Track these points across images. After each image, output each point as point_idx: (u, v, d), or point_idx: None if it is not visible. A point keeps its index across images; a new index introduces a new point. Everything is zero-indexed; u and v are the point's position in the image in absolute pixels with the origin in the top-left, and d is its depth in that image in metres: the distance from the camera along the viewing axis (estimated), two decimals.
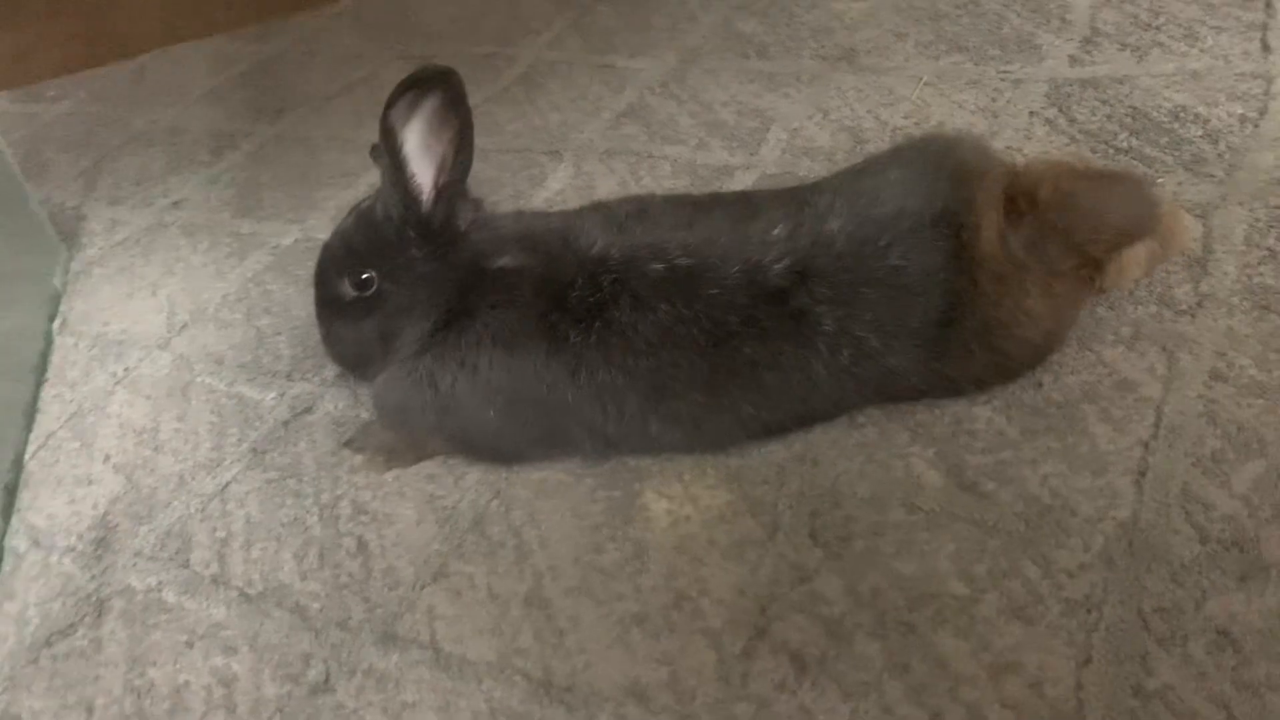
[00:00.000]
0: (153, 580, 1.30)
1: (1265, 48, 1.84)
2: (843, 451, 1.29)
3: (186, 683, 1.17)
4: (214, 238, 1.96)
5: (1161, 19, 2.00)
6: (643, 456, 1.33)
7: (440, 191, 1.28)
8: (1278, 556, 1.07)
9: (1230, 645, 1.00)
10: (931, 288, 1.23)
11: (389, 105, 1.21)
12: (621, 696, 1.07)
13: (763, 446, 1.31)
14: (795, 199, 1.33)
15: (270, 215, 2.00)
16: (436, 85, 1.22)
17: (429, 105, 1.23)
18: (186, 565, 1.31)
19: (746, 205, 1.34)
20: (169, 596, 1.28)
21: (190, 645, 1.21)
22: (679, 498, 1.28)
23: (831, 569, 1.16)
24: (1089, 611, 1.06)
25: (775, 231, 1.27)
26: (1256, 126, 1.66)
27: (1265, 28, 1.90)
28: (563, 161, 1.97)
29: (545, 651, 1.13)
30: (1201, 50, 1.88)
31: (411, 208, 1.28)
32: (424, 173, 1.27)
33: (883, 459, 1.27)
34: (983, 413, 1.30)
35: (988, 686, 1.02)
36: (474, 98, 2.22)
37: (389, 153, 1.25)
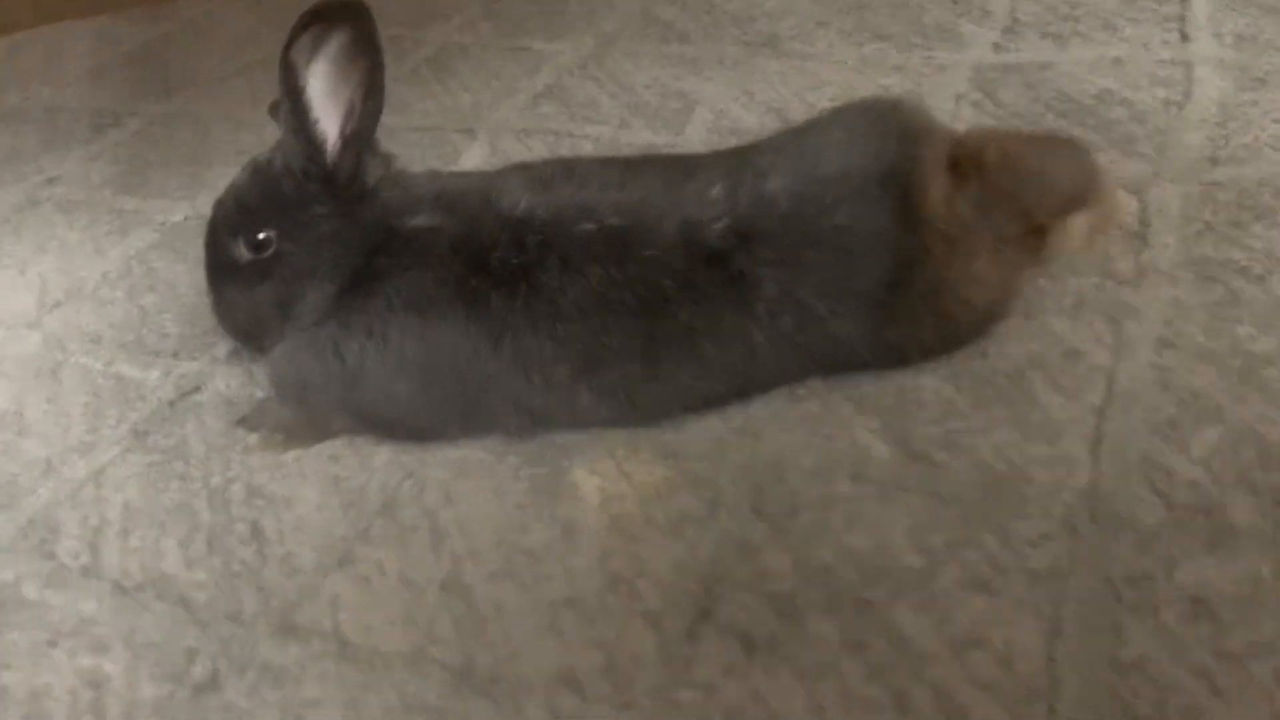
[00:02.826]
0: (9, 574, 1.14)
1: (1184, 37, 1.85)
2: (784, 424, 1.20)
3: (47, 686, 1.02)
4: (93, 215, 1.80)
5: (1080, 11, 2.00)
6: (571, 432, 1.22)
7: (347, 141, 1.16)
8: (1245, 521, 1.02)
9: (1206, 613, 0.94)
10: (879, 249, 1.16)
11: (289, 42, 1.10)
12: (552, 685, 0.96)
13: (699, 420, 1.22)
14: (734, 158, 1.25)
15: (157, 193, 1.84)
16: (344, 19, 1.11)
17: (335, 42, 1.12)
18: (52, 556, 1.16)
19: (682, 165, 1.26)
20: (29, 591, 1.12)
21: (53, 644, 1.06)
22: (611, 474, 1.17)
23: (778, 544, 1.07)
24: (1055, 582, 0.99)
25: (713, 191, 1.19)
26: (1181, 109, 1.65)
27: (1182, 19, 1.90)
28: (477, 139, 1.86)
29: (465, 640, 1.01)
30: (1121, 39, 1.88)
31: (314, 159, 1.16)
32: (329, 120, 1.15)
33: (827, 431, 1.19)
34: (929, 382, 1.23)
35: (953, 663, 0.94)
36: None
37: (289, 95, 1.13)
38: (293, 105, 1.13)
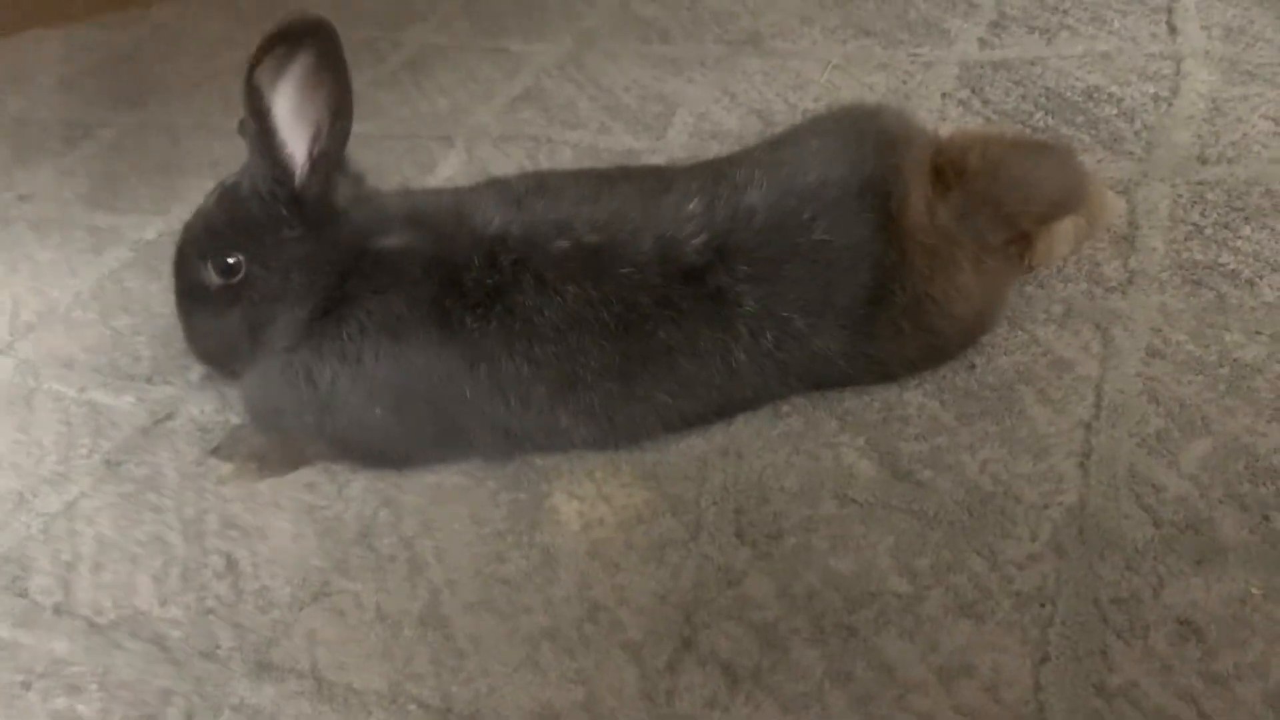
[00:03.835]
0: None
1: (1172, 30, 1.82)
2: (767, 443, 1.19)
3: None
4: (65, 232, 1.77)
5: (1068, 3, 1.96)
6: (550, 454, 1.20)
7: (315, 163, 1.14)
8: (1234, 538, 1.00)
9: (1194, 635, 0.93)
10: (859, 263, 1.14)
11: (253, 63, 1.07)
12: None
13: (681, 440, 1.20)
14: (711, 171, 1.22)
15: (130, 207, 1.82)
16: (308, 40, 1.08)
17: (300, 63, 1.09)
18: (24, 594, 1.13)
19: (658, 178, 1.23)
20: (1, 631, 1.10)
21: (27, 687, 1.04)
22: (591, 498, 1.15)
23: (761, 569, 1.05)
24: (1042, 605, 0.97)
25: (690, 205, 1.17)
26: (1170, 105, 1.63)
27: (1170, 10, 1.88)
28: (454, 147, 1.83)
29: (443, 676, 0.99)
30: (1110, 32, 1.85)
31: (282, 181, 1.14)
32: (296, 142, 1.13)
33: (810, 449, 1.17)
34: (914, 398, 1.21)
35: (939, 692, 0.92)
36: (355, 82, 2.07)
37: (256, 118, 1.10)
38: (259, 127, 1.11)
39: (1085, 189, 1.30)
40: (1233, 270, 1.30)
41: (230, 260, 1.16)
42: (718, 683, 0.95)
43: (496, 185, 1.26)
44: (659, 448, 1.20)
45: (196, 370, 1.38)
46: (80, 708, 1.01)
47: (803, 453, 1.17)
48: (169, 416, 1.34)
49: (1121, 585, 0.98)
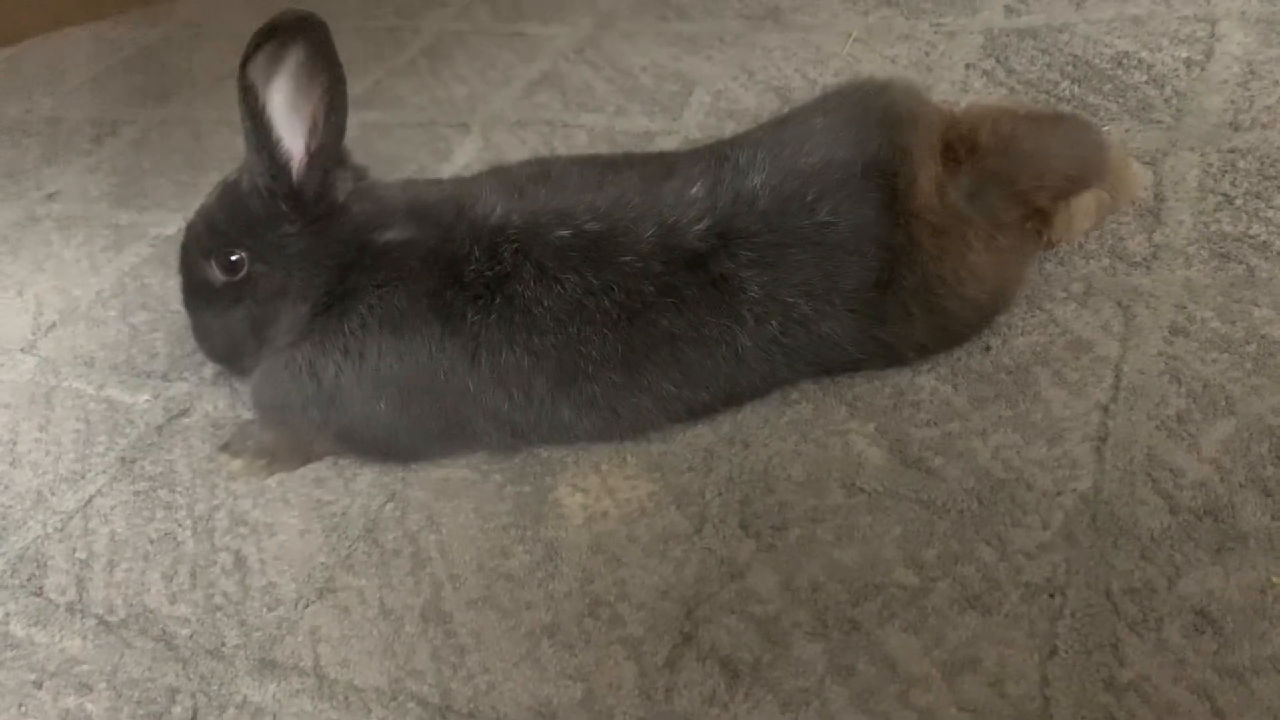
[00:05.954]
0: None
1: None
2: (775, 431, 1.16)
3: None
4: (90, 230, 1.79)
5: None
6: (555, 447, 1.19)
7: (313, 158, 1.13)
8: (1256, 525, 0.96)
9: (1209, 626, 0.89)
10: (865, 245, 1.11)
11: (245, 59, 1.07)
12: (529, 719, 0.94)
13: (687, 430, 1.18)
14: (715, 154, 1.20)
15: (152, 204, 1.83)
16: (298, 35, 1.07)
17: (293, 59, 1.09)
18: (40, 593, 1.15)
19: (661, 164, 1.21)
20: (17, 629, 1.11)
21: (39, 685, 1.05)
22: (596, 491, 1.14)
23: (765, 562, 1.03)
24: (1051, 596, 0.94)
25: (693, 190, 1.15)
26: (1203, 70, 1.56)
27: None
28: (470, 134, 1.82)
29: (443, 672, 0.99)
30: None
31: (279, 177, 1.13)
32: (293, 137, 1.13)
33: (819, 437, 1.15)
34: (926, 382, 1.18)
35: (942, 688, 0.90)
36: (375, 72, 2.09)
37: (250, 115, 1.10)
38: (254, 124, 1.11)
39: (1104, 161, 1.25)
40: (1264, 242, 1.24)
41: (233, 257, 1.16)
42: (717, 679, 0.94)
43: (498, 174, 1.25)
44: (666, 438, 1.18)
45: (211, 367, 1.39)
46: (89, 706, 1.02)
47: (810, 441, 1.14)
48: (184, 413, 1.35)
49: (1135, 575, 0.94)
